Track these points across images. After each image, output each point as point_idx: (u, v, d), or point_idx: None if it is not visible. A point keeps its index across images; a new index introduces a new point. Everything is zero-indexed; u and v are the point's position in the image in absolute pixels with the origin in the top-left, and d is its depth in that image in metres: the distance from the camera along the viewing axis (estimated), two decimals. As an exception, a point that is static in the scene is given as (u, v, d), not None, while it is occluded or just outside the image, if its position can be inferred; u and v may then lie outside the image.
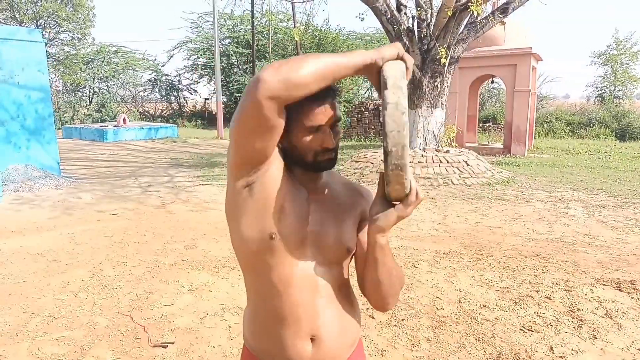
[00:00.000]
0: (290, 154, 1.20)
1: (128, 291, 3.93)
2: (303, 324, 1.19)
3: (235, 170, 1.16)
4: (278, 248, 1.16)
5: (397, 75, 1.05)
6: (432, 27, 9.56)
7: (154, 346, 3.03)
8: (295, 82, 0.99)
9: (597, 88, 24.98)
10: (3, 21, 24.82)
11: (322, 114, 1.14)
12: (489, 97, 23.83)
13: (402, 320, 3.39)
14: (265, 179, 1.16)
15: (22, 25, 23.56)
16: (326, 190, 1.26)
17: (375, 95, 26.70)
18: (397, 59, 1.11)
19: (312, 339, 1.20)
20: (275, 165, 1.17)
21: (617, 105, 21.65)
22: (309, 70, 1.00)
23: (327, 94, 1.13)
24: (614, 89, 24.07)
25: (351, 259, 1.30)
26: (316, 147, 1.16)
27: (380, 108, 1.03)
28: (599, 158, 12.53)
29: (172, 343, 3.05)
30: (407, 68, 1.11)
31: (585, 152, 13.61)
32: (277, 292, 1.19)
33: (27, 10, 25.13)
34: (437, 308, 3.60)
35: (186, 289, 3.97)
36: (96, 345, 3.06)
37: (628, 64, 23.80)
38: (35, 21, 25.07)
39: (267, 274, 1.19)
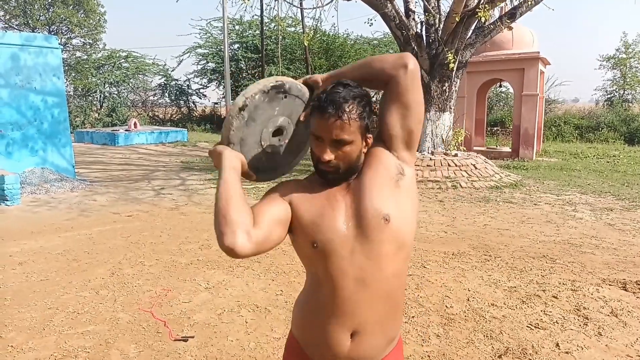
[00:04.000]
0: (311, 151, 1.34)
1: (147, 289, 4.08)
2: (346, 319, 1.26)
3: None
4: (322, 251, 1.26)
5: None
6: (440, 32, 9.68)
7: (175, 340, 3.17)
8: None
9: (606, 92, 24.96)
10: (16, 27, 25.26)
11: (321, 127, 1.23)
12: (497, 100, 23.87)
13: (413, 317, 3.51)
14: (295, 215, 1.31)
15: (35, 31, 23.98)
16: (358, 178, 1.32)
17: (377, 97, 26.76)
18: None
19: (352, 334, 1.29)
20: (295, 205, 1.31)
21: (626, 109, 21.63)
22: None
23: (337, 109, 1.21)
24: (623, 93, 24.03)
25: (404, 249, 1.32)
26: (317, 154, 1.27)
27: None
28: (607, 162, 12.56)
29: (192, 337, 3.19)
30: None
31: (594, 156, 13.63)
32: (326, 287, 1.28)
33: (40, 16, 25.56)
34: (446, 306, 3.71)
35: (203, 287, 4.11)
36: (120, 339, 3.20)
37: (637, 67, 23.78)
38: (47, 27, 25.49)
39: (318, 271, 1.30)
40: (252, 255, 1.18)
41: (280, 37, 22.69)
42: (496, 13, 10.47)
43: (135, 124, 18.80)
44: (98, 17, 26.92)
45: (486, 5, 8.68)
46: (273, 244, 1.25)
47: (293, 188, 1.35)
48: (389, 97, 1.32)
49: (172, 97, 28.95)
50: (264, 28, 18.54)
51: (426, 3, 9.74)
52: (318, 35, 23.19)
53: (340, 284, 1.26)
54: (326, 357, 1.31)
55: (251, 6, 15.75)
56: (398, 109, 1.32)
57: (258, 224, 1.20)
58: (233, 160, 1.28)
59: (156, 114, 29.09)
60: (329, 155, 1.24)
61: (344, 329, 1.27)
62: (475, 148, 13.49)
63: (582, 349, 3.05)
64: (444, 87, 9.82)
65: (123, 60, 27.20)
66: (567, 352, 3.00)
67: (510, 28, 10.22)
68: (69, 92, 25.37)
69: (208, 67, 26.95)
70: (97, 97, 27.06)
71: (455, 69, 9.56)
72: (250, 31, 25.79)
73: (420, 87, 1.33)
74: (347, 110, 1.21)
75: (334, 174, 1.28)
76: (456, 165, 9.40)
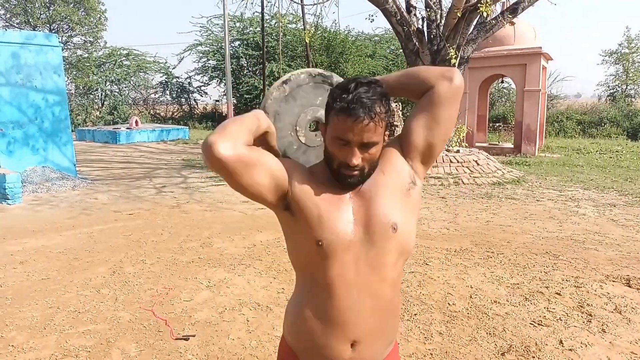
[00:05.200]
0: (325, 152, 1.24)
1: (148, 287, 4.06)
2: (347, 329, 1.22)
3: (264, 204, 1.25)
4: (327, 252, 1.20)
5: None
6: (441, 28, 9.62)
7: (176, 339, 3.15)
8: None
9: (608, 87, 24.84)
10: (17, 25, 25.23)
11: (349, 131, 1.14)
12: (499, 96, 23.78)
13: (415, 315, 3.49)
14: (294, 197, 1.23)
15: (36, 29, 23.94)
16: (369, 180, 1.25)
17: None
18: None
19: (352, 344, 1.23)
20: (296, 186, 1.23)
21: (628, 104, 21.54)
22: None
23: (368, 111, 1.13)
24: (626, 88, 23.92)
25: (404, 257, 1.28)
26: (341, 158, 1.18)
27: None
28: (610, 157, 12.50)
29: (194, 336, 3.18)
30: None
31: (596, 152, 13.57)
32: (325, 293, 1.22)
33: (41, 14, 25.53)
34: (448, 303, 3.68)
35: (204, 285, 4.09)
36: (121, 338, 3.19)
37: (640, 62, 23.67)
38: (48, 25, 25.44)
39: (318, 275, 1.23)
40: (226, 163, 1.10)
41: (281, 34, 22.61)
42: (498, 8, 10.42)
43: (136, 122, 18.80)
44: (98, 15, 26.87)
45: (488, 1, 8.62)
46: (252, 180, 1.17)
47: (297, 167, 1.29)
48: (423, 106, 1.28)
49: (173, 95, 28.97)
50: (265, 25, 18.47)
51: (427, -2, 9.68)
52: (319, 32, 23.10)
53: (341, 293, 1.21)
54: None
55: (252, 3, 15.74)
56: (428, 120, 1.27)
57: (251, 148, 1.17)
58: (268, 120, 1.27)
59: (157, 111, 29.11)
60: (357, 159, 1.17)
61: (345, 339, 1.23)
62: (477, 144, 13.44)
63: (586, 346, 3.02)
64: (446, 83, 9.76)
65: (124, 58, 27.18)
66: (570, 350, 2.98)
67: (512, 23, 10.17)
68: (70, 90, 25.36)
69: (209, 65, 26.90)
70: (98, 95, 27.05)
71: (456, 64, 9.50)
72: (251, 28, 25.73)
73: (457, 106, 1.29)
74: (378, 111, 1.14)
75: (356, 178, 1.21)
76: (458, 162, 9.36)
